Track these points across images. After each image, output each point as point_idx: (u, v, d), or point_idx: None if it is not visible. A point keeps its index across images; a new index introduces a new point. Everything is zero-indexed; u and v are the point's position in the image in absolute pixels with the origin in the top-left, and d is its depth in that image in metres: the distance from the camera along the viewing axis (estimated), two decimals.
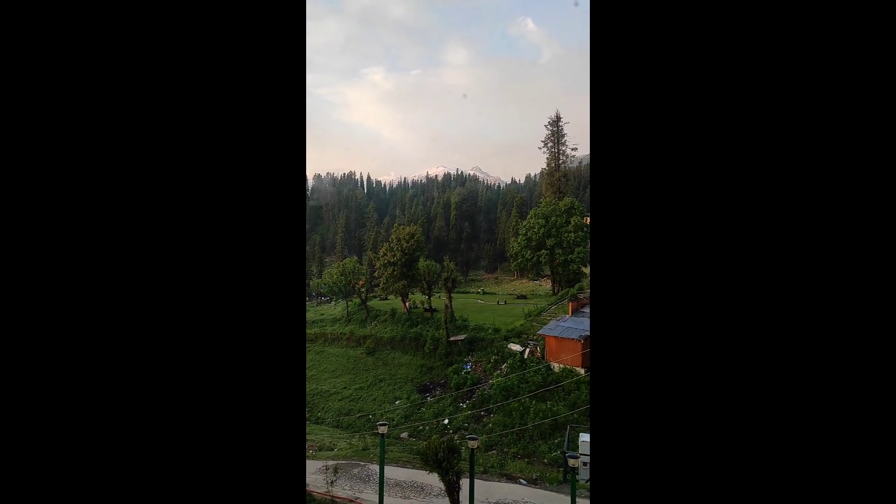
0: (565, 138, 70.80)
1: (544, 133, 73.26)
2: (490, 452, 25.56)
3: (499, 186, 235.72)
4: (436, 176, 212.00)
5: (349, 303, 54.32)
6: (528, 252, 56.31)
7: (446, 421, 29.71)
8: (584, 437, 21.49)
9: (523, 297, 59.81)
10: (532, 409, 27.18)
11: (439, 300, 47.39)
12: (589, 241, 54.78)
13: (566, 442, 23.92)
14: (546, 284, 75.24)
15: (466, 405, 30.64)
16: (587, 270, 60.87)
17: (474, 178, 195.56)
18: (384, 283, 49.04)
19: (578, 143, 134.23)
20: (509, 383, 29.76)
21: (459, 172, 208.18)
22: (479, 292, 70.83)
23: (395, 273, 47.05)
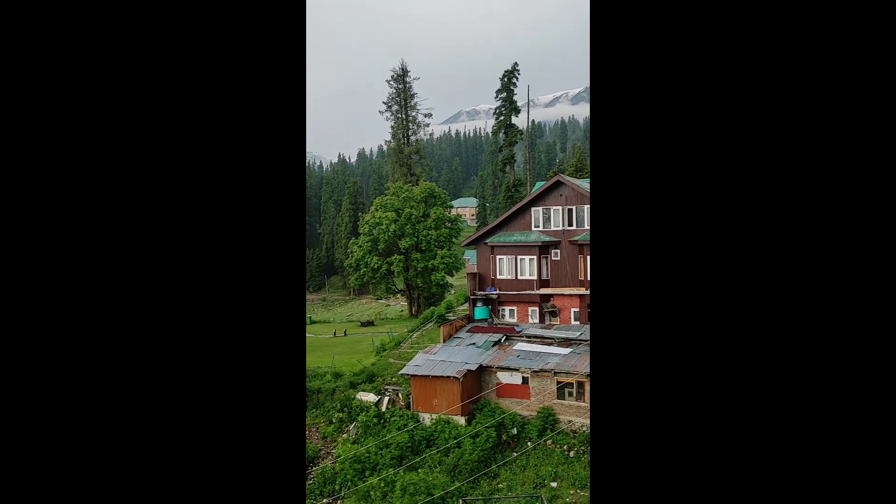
0: (416, 99, 69.53)
1: (386, 92, 71.50)
2: None
3: (321, 166, 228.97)
4: None
5: None
6: (375, 259, 53.62)
7: None
8: None
9: (370, 323, 57.02)
10: (399, 483, 24.54)
11: None
12: (453, 239, 53.80)
13: None
14: (397, 303, 73.39)
15: None
16: (454, 281, 60.09)
17: None
18: None
19: (435, 104, 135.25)
20: (363, 451, 26.73)
21: None
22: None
23: None
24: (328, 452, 28.68)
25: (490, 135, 76.14)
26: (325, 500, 25.99)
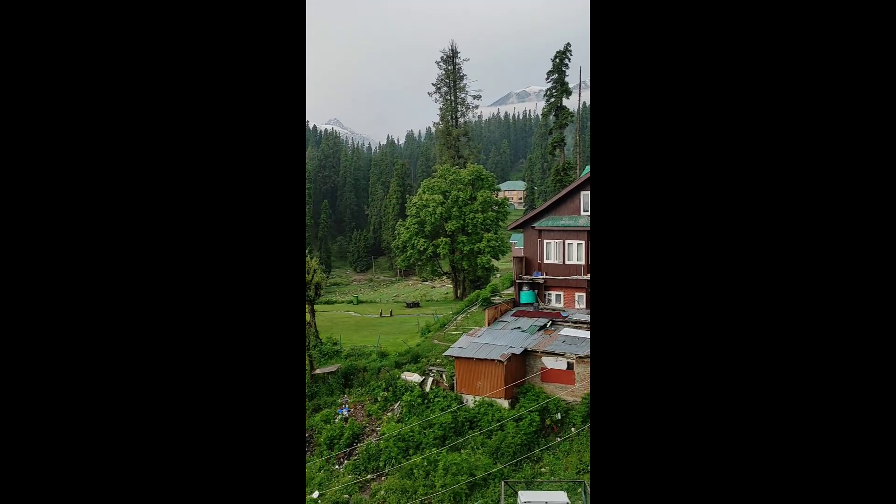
0: (465, 81, 69.57)
1: (435, 73, 71.51)
2: None
3: (369, 148, 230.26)
4: None
5: None
6: (421, 241, 54.22)
7: (315, 494, 26.64)
8: (527, 497, 19.84)
9: (415, 304, 57.78)
10: (442, 463, 25.08)
11: None
12: (500, 223, 53.95)
13: None
14: (443, 286, 73.97)
15: (345, 467, 27.79)
16: (499, 264, 60.30)
17: (333, 136, 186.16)
18: None
19: (484, 86, 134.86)
20: (407, 430, 27.36)
21: (311, 127, 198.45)
22: (350, 300, 67.73)
23: None
24: (373, 430, 29.44)
25: (540, 117, 75.93)
26: (369, 476, 26.78)
